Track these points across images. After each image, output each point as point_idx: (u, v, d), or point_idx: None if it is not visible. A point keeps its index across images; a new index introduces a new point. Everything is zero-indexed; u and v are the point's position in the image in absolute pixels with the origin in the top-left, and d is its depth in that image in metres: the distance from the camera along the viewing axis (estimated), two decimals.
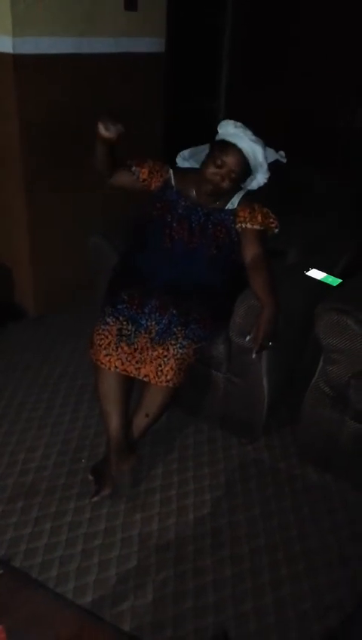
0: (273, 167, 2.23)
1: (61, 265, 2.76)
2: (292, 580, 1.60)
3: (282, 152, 2.25)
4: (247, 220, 1.93)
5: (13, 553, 1.61)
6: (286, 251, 2.21)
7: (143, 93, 2.83)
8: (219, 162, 1.85)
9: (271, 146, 2.26)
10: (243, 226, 1.94)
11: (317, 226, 2.30)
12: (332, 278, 1.89)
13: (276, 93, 3.67)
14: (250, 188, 2.02)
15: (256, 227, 1.94)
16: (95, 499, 1.77)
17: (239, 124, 1.87)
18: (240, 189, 2.01)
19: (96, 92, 2.59)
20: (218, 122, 1.96)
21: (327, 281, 1.89)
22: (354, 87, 3.47)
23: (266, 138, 2.29)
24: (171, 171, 2.04)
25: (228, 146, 1.85)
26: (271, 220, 1.96)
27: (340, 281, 1.89)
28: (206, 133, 2.09)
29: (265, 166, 1.92)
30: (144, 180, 2.02)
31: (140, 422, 1.84)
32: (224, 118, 1.94)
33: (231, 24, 3.84)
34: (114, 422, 1.81)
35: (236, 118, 1.90)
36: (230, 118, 1.92)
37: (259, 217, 1.94)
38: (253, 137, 1.86)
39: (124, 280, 1.97)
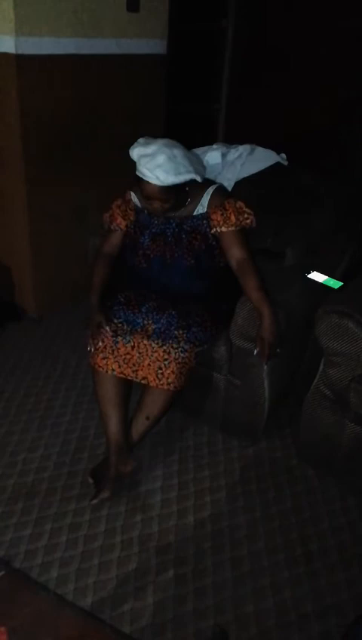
0: (274, 169, 2.23)
1: (61, 265, 2.76)
2: (292, 583, 1.60)
3: (283, 155, 2.25)
4: (221, 223, 1.86)
5: (14, 554, 1.60)
6: (285, 252, 2.20)
7: (144, 94, 2.83)
8: (145, 195, 1.78)
9: (272, 148, 2.26)
10: (219, 230, 1.86)
11: (317, 227, 2.30)
12: (334, 281, 1.89)
13: (277, 95, 3.67)
14: (216, 175, 1.94)
15: (232, 229, 1.86)
16: (94, 501, 1.76)
17: (136, 150, 1.73)
18: (207, 183, 1.89)
19: (98, 93, 2.60)
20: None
21: (329, 284, 1.88)
22: (356, 88, 3.48)
23: (267, 139, 2.29)
24: (132, 194, 1.95)
25: (141, 182, 1.74)
26: (246, 215, 1.87)
27: (341, 284, 1.89)
28: (206, 136, 2.08)
29: (181, 179, 1.72)
30: (126, 226, 1.97)
31: (140, 424, 1.84)
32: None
33: (234, 26, 3.84)
34: (113, 424, 1.81)
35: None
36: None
37: (232, 217, 1.85)
38: (150, 164, 1.68)
39: (120, 283, 1.97)
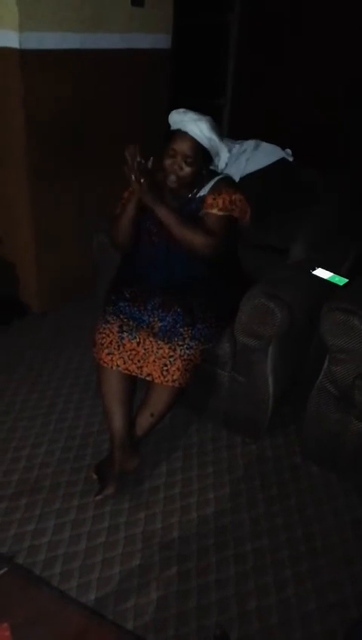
0: (280, 165, 2.22)
1: (65, 261, 2.76)
2: (296, 580, 1.60)
3: (288, 150, 2.24)
4: (210, 206, 1.88)
5: (17, 550, 1.61)
6: (289, 248, 2.19)
7: (149, 88, 2.82)
8: (171, 152, 1.82)
9: (277, 144, 2.25)
10: (206, 211, 1.88)
11: (322, 223, 2.28)
12: (339, 278, 1.87)
13: (282, 90, 3.65)
14: (222, 170, 1.97)
15: (215, 212, 1.86)
16: (98, 498, 1.76)
17: (182, 110, 1.84)
18: (216, 174, 1.94)
19: (102, 88, 2.59)
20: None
21: (334, 281, 1.87)
22: (357, 84, 3.45)
23: (272, 135, 2.27)
24: None
25: (174, 134, 1.83)
26: (234, 207, 1.89)
27: (346, 280, 1.87)
28: None
29: (217, 139, 1.85)
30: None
31: (144, 421, 1.84)
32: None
33: (239, 20, 3.82)
34: (117, 421, 1.81)
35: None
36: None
37: (220, 202, 1.86)
38: (195, 116, 1.80)
39: (126, 279, 1.97)
